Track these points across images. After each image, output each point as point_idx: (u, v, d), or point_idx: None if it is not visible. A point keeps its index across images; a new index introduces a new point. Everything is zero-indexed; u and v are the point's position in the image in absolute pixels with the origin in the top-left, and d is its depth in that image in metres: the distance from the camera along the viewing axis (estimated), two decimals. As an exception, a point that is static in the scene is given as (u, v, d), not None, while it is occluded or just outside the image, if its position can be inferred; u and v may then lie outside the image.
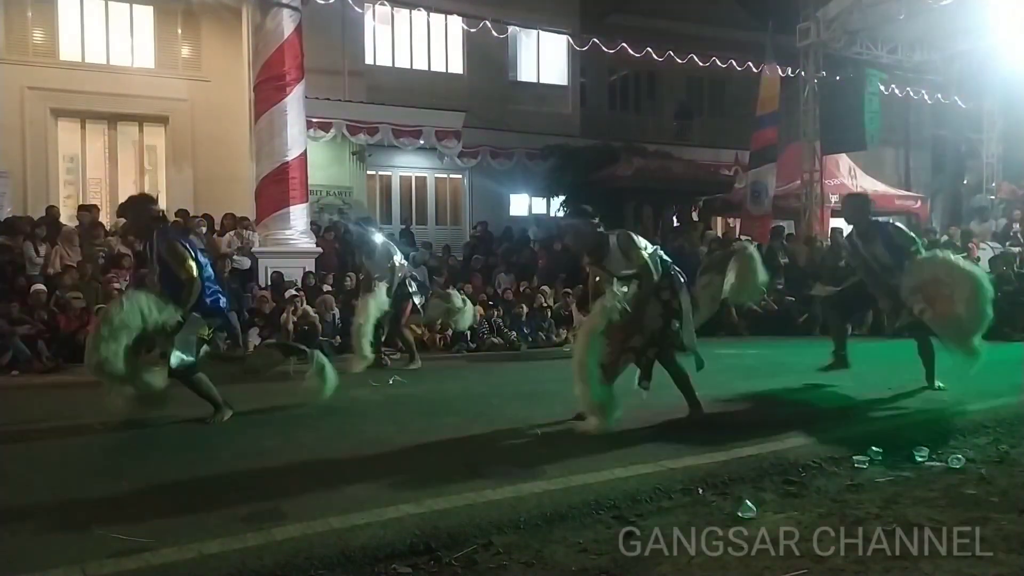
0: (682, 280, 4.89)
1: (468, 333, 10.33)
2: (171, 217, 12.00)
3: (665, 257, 4.94)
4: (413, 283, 8.22)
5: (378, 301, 7.78)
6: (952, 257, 5.55)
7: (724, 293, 5.23)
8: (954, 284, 5.37)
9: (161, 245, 5.09)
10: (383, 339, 8.19)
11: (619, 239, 4.83)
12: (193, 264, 5.05)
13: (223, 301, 5.39)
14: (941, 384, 5.78)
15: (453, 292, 9.08)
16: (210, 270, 5.42)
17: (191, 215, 12.00)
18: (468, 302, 8.95)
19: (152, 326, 4.89)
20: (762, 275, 5.20)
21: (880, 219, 6.15)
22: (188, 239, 5.48)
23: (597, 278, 5.14)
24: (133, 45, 13.69)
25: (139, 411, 4.96)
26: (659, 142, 17.67)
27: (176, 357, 5.03)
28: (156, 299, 4.98)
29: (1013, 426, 4.67)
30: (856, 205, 6.13)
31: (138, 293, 5.15)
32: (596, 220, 5.00)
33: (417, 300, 8.20)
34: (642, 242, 4.84)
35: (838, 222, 16.07)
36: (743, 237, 15.31)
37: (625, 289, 4.76)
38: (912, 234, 5.88)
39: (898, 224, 6.06)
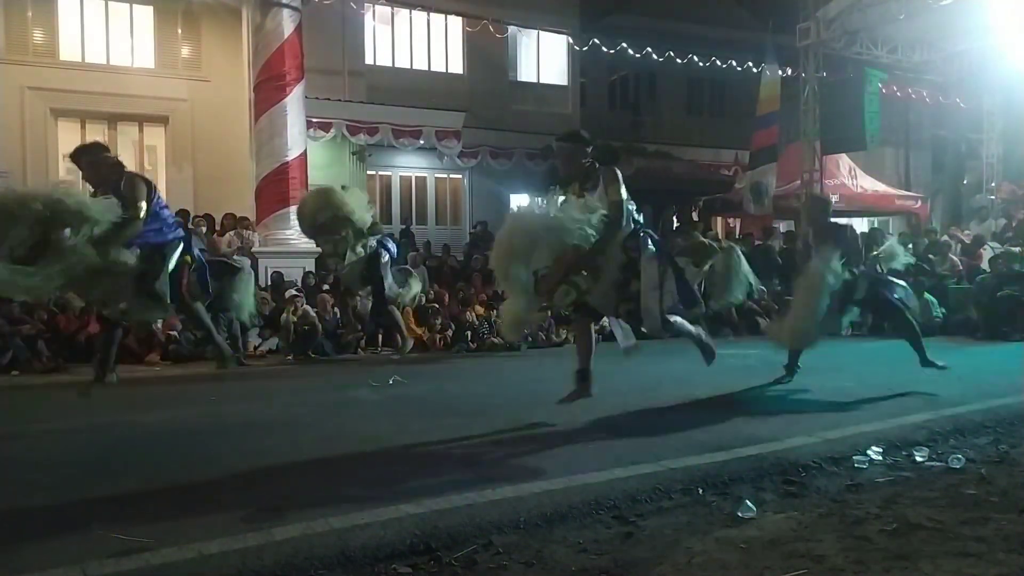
0: (652, 247, 4.68)
1: (468, 332, 10.34)
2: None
3: (639, 219, 4.78)
4: (389, 276, 8.16)
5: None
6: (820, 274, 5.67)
7: (702, 288, 5.19)
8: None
9: (123, 183, 4.96)
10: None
11: (605, 172, 4.65)
12: (143, 205, 4.91)
13: (173, 235, 5.21)
14: (941, 363, 5.84)
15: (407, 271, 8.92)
16: (169, 212, 5.31)
17: (191, 215, 12.00)
18: (412, 277, 8.77)
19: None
20: (745, 278, 5.18)
21: (840, 223, 6.29)
22: (152, 184, 5.31)
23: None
24: (133, 45, 13.69)
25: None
26: (659, 142, 17.68)
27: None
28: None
29: (1013, 426, 4.67)
30: (817, 207, 6.38)
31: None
32: (590, 148, 4.78)
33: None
34: (624, 189, 4.65)
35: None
36: (743, 236, 15.34)
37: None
38: (860, 249, 6.03)
39: (854, 228, 6.25)
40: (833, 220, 6.27)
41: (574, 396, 4.87)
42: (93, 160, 5.15)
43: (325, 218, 7.56)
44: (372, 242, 7.94)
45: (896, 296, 6.08)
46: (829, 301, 5.66)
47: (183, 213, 11.93)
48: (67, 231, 4.64)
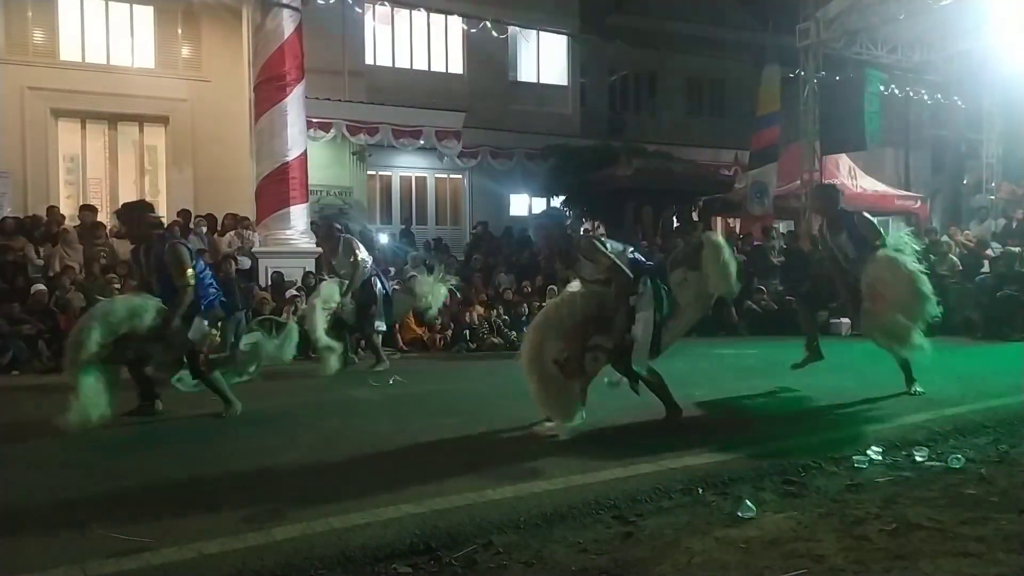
0: (648, 285, 4.66)
1: (467, 332, 10.33)
2: (171, 217, 12.05)
3: (639, 258, 4.78)
4: (379, 283, 8.11)
5: (324, 297, 7.61)
6: (898, 257, 5.39)
7: (711, 288, 5.11)
8: (895, 284, 5.27)
9: (163, 248, 5.15)
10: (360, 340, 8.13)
11: (581, 246, 4.68)
12: (191, 271, 5.11)
13: (217, 303, 5.43)
14: (919, 388, 5.72)
15: (418, 278, 8.84)
16: (208, 273, 5.51)
17: (193, 215, 12.02)
18: (435, 283, 8.70)
19: (131, 329, 4.91)
20: (732, 264, 5.10)
21: (848, 210, 6.14)
22: (189, 242, 5.54)
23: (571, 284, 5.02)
24: (133, 45, 13.71)
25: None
26: (659, 142, 17.68)
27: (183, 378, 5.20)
28: (142, 303, 5.01)
29: (1013, 426, 4.67)
30: (825, 195, 6.17)
31: (127, 297, 5.22)
32: (567, 223, 4.86)
33: (379, 320, 8.11)
34: (609, 245, 4.66)
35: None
36: (743, 236, 15.33)
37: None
38: (878, 227, 5.78)
39: (866, 215, 6.02)
40: (841, 207, 6.13)
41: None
42: (138, 218, 5.34)
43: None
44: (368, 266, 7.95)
45: None
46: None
47: (184, 213, 11.95)
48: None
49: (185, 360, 5.36)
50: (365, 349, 9.33)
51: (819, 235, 6.23)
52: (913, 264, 5.37)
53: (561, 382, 4.40)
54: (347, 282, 7.79)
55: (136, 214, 5.37)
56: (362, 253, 7.96)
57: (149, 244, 5.26)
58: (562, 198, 16.34)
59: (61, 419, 4.63)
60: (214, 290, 5.49)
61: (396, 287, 8.75)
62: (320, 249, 11.60)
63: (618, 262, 4.57)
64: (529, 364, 4.40)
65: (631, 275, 4.55)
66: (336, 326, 7.74)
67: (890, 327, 5.27)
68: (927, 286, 5.28)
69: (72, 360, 4.76)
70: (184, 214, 11.92)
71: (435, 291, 8.56)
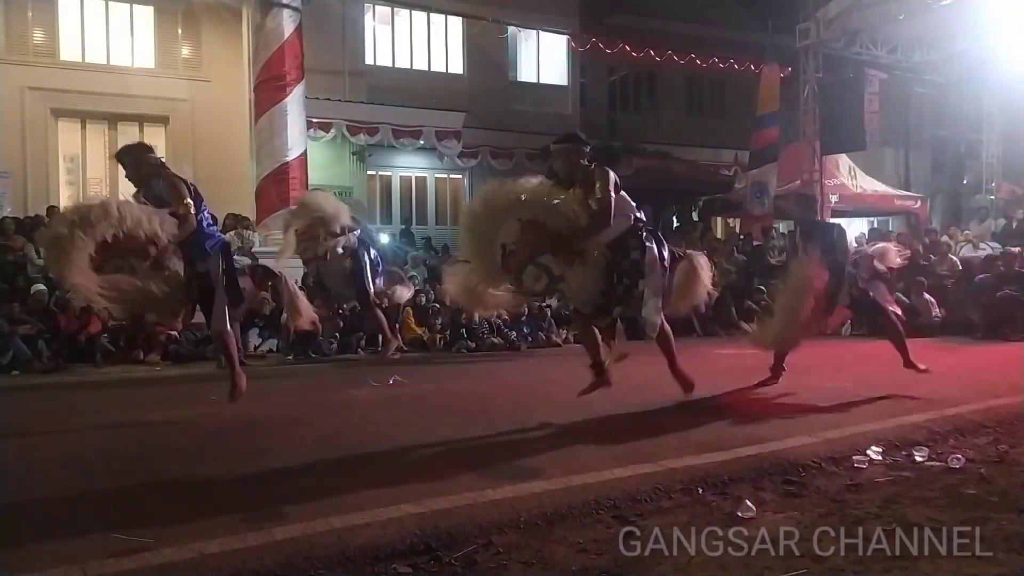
0: (655, 244, 4.63)
1: (464, 331, 10.33)
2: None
3: (642, 217, 4.74)
4: (366, 253, 7.97)
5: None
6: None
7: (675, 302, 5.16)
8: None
9: (161, 183, 5.07)
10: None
11: (598, 171, 4.58)
12: (191, 202, 5.02)
13: (221, 244, 5.31)
14: (923, 365, 5.83)
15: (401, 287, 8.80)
16: (208, 215, 5.38)
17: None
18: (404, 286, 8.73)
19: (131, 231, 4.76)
20: (703, 287, 5.16)
21: (828, 222, 6.32)
22: (191, 183, 5.38)
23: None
24: (133, 45, 13.71)
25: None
26: (659, 142, 17.68)
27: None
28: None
29: (1013, 426, 4.67)
30: (802, 203, 6.39)
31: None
32: (588, 148, 4.73)
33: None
34: (616, 185, 4.54)
35: (838, 222, 16.09)
36: (743, 236, 15.34)
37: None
38: (848, 247, 6.04)
39: (844, 230, 6.27)
40: (818, 219, 6.30)
41: (594, 387, 4.89)
42: (137, 159, 5.27)
43: (301, 225, 7.52)
44: (353, 240, 7.84)
45: (879, 295, 6.04)
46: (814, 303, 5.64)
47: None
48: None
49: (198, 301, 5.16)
50: (365, 349, 9.35)
51: (789, 241, 6.40)
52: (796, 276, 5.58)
53: (493, 267, 4.25)
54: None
55: (136, 156, 5.30)
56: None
57: (150, 186, 5.17)
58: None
59: None
60: (215, 230, 5.40)
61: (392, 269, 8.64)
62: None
63: (611, 196, 4.45)
64: (473, 225, 4.25)
65: (609, 220, 4.45)
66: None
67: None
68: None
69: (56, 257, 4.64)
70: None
71: (397, 288, 8.53)
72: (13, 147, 12.71)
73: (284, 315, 9.34)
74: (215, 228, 5.40)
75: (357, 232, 7.93)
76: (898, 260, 6.52)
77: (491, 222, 4.31)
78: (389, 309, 9.31)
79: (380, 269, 8.12)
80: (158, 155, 5.46)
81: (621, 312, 4.64)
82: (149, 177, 5.19)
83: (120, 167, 5.38)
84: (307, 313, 6.18)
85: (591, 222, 4.45)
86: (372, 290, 7.84)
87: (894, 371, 5.91)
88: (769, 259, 12.49)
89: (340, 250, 7.69)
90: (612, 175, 4.61)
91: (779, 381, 6.15)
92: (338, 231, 7.59)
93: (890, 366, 5.96)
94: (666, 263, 4.74)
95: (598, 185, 4.51)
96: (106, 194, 13.45)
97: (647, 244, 4.66)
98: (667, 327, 4.77)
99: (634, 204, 4.82)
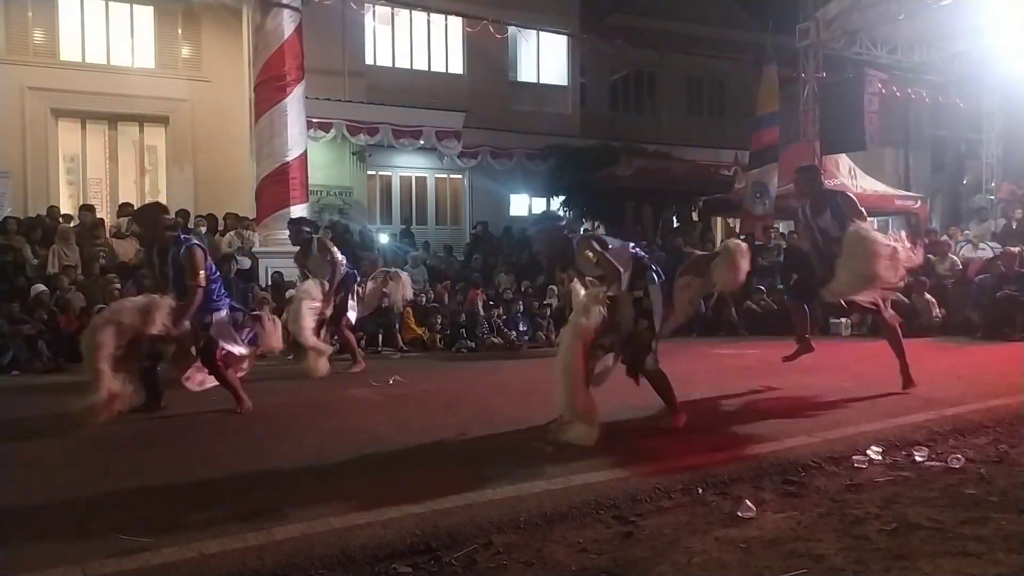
0: (656, 278, 4.70)
1: (464, 331, 10.33)
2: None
3: (640, 253, 4.81)
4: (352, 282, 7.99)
5: (308, 297, 7.44)
6: (866, 231, 5.50)
7: (709, 289, 5.14)
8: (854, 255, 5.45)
9: (180, 250, 5.28)
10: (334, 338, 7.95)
11: (577, 245, 4.73)
12: (203, 274, 5.26)
13: (224, 311, 5.53)
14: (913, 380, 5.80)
15: (395, 278, 8.77)
16: (218, 276, 5.64)
17: (191, 215, 12.00)
18: (398, 272, 8.74)
19: (143, 329, 5.01)
20: (742, 268, 5.13)
21: (832, 190, 6.19)
22: (204, 243, 5.66)
23: (573, 282, 5.06)
24: (133, 45, 13.72)
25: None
26: (659, 142, 17.69)
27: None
28: (151, 304, 5.09)
29: (1013, 426, 4.67)
30: (807, 177, 6.21)
31: (139, 298, 5.30)
32: (563, 224, 4.90)
33: (352, 310, 7.99)
34: (602, 243, 4.68)
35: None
36: (743, 236, 15.34)
37: (605, 289, 4.62)
38: (860, 207, 5.86)
39: (850, 195, 6.09)
40: (824, 188, 6.19)
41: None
42: (153, 220, 5.50)
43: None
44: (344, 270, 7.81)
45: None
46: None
47: (183, 213, 11.95)
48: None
49: (200, 357, 5.47)
50: (365, 349, 9.32)
51: (799, 216, 6.28)
52: (876, 236, 5.46)
53: (586, 388, 4.38)
54: (327, 282, 7.58)
55: (152, 216, 5.54)
56: (337, 251, 7.84)
57: (165, 245, 5.37)
58: (562, 198, 16.35)
59: (77, 411, 4.76)
60: (223, 294, 5.61)
61: (370, 282, 8.60)
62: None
63: (607, 255, 4.58)
64: (564, 371, 4.36)
65: (620, 269, 4.56)
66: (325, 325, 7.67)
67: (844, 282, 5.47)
68: (880, 250, 5.36)
69: (89, 361, 4.89)
70: (184, 214, 11.92)
71: (401, 278, 8.54)
72: (13, 147, 12.71)
73: (283, 315, 9.38)
74: (220, 286, 5.59)
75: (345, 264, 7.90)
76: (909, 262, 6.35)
77: (576, 363, 4.39)
78: (387, 309, 9.32)
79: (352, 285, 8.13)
80: (174, 217, 5.82)
81: (629, 350, 4.70)
82: (164, 240, 5.39)
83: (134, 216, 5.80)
84: (278, 343, 6.34)
85: (609, 283, 4.58)
86: (349, 316, 7.91)
87: (894, 371, 5.91)
88: (761, 260, 12.47)
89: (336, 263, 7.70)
90: (592, 240, 4.72)
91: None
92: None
93: (890, 367, 5.95)
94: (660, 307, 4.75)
95: (589, 255, 4.63)
96: (107, 197, 13.53)
97: (651, 279, 4.69)
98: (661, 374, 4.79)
99: (629, 244, 4.88)
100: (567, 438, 4.27)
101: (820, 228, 5.81)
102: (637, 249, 4.85)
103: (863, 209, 5.85)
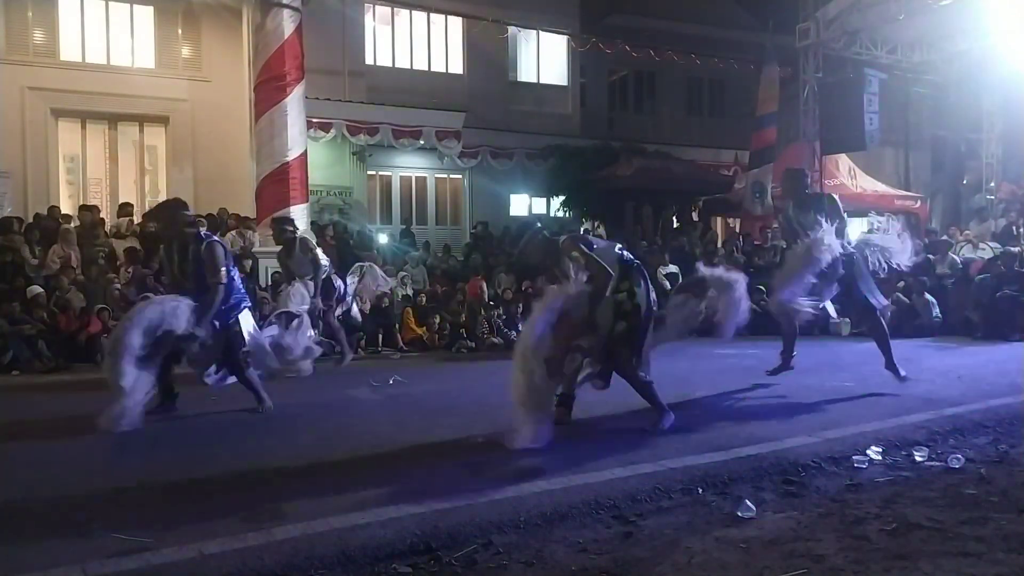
0: (643, 281, 4.66)
1: (464, 331, 10.32)
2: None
3: (627, 255, 4.77)
4: (338, 280, 8.04)
5: (297, 299, 7.48)
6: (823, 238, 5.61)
7: (703, 313, 5.15)
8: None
9: (201, 246, 5.23)
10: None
11: (562, 246, 4.72)
12: (224, 270, 5.21)
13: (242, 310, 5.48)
14: (903, 372, 5.82)
15: (370, 270, 8.78)
16: (236, 274, 5.58)
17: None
18: (372, 265, 8.76)
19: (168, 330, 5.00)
20: (744, 308, 5.19)
21: (819, 192, 6.30)
22: (225, 244, 5.64)
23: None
24: (133, 45, 13.70)
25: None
26: (659, 142, 17.69)
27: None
28: (176, 305, 5.09)
29: (1013, 426, 4.67)
30: (793, 177, 6.37)
31: (163, 299, 5.26)
32: (542, 227, 4.90)
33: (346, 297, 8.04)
34: (589, 244, 4.66)
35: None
36: (743, 235, 15.34)
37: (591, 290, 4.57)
38: (842, 211, 6.00)
39: (835, 196, 6.20)
40: (808, 191, 6.29)
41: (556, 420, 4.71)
42: (173, 216, 5.43)
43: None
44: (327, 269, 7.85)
45: (869, 295, 6.00)
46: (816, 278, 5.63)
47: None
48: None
49: (224, 356, 5.41)
50: (365, 349, 9.33)
51: (783, 217, 6.37)
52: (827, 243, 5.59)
53: (543, 381, 4.30)
54: (311, 281, 7.60)
55: (171, 212, 5.47)
56: (320, 251, 7.86)
57: (185, 242, 5.31)
58: (562, 198, 16.35)
59: (100, 420, 4.77)
60: (242, 291, 5.57)
61: (349, 277, 8.59)
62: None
63: (595, 257, 4.55)
64: (522, 357, 4.29)
65: (611, 272, 4.53)
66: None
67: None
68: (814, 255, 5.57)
69: (112, 363, 4.85)
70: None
71: (373, 270, 8.55)
72: (13, 147, 12.70)
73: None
74: (239, 285, 5.55)
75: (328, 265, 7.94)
76: (909, 260, 6.29)
77: (533, 354, 4.32)
78: (387, 309, 9.30)
79: (345, 295, 8.17)
80: (192, 213, 5.67)
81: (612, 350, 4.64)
82: (184, 236, 5.34)
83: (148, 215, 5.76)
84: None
85: (596, 286, 4.52)
86: (333, 306, 7.93)
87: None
88: (758, 260, 12.48)
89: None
90: (578, 241, 4.70)
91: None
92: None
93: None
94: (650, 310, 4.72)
95: (575, 256, 4.60)
96: (107, 197, 13.52)
97: (637, 282, 4.64)
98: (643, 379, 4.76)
99: (615, 244, 4.87)
100: (516, 443, 4.19)
101: (804, 229, 5.89)
102: (624, 250, 4.81)
103: (844, 214, 5.99)
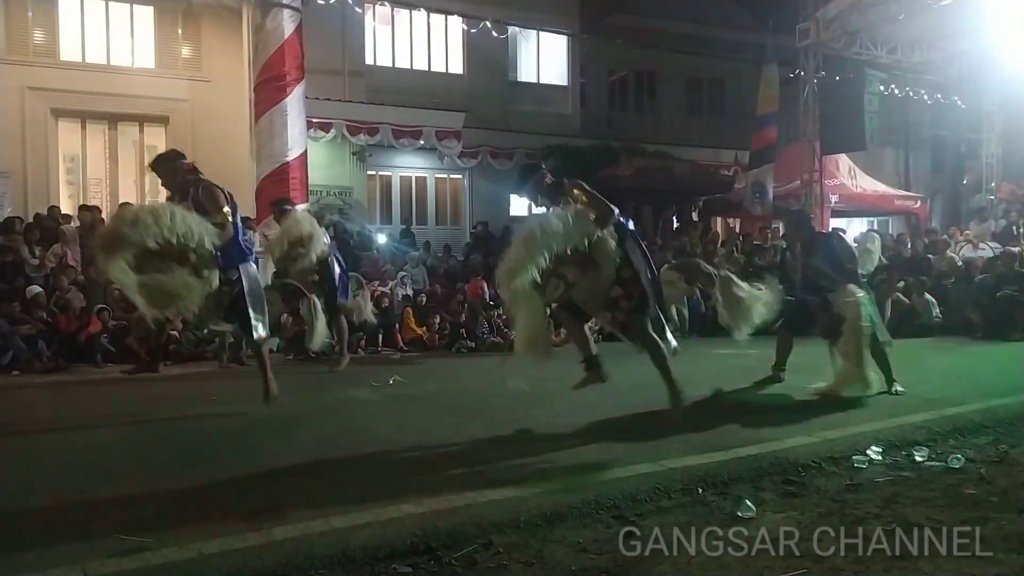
0: (636, 248, 4.66)
1: (464, 331, 10.32)
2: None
3: (624, 222, 4.74)
4: (336, 263, 8.04)
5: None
6: (860, 307, 5.56)
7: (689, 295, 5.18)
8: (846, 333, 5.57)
9: (199, 191, 5.09)
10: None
11: (566, 187, 4.71)
12: (227, 208, 5.07)
13: (251, 255, 5.39)
14: (899, 388, 5.78)
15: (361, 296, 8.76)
16: (241, 223, 5.42)
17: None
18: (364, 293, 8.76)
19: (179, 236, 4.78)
20: (748, 299, 5.18)
21: (824, 232, 6.30)
22: (227, 190, 5.39)
23: None
24: (133, 45, 13.69)
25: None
26: (659, 142, 17.69)
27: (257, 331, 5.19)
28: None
29: (1013, 426, 4.67)
30: (796, 222, 6.43)
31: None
32: (545, 171, 4.88)
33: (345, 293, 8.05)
34: (590, 194, 4.64)
35: (838, 222, 16.10)
36: (743, 235, 15.34)
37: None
38: (853, 251, 6.02)
39: (843, 237, 6.25)
40: (816, 233, 6.33)
41: (587, 382, 4.85)
42: (172, 167, 5.31)
43: (280, 253, 7.59)
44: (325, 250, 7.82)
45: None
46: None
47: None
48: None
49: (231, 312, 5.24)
50: (365, 349, 9.32)
51: (791, 255, 6.37)
52: (864, 319, 5.54)
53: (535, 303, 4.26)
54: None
55: (169, 163, 5.34)
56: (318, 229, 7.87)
57: (186, 192, 5.17)
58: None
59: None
60: (250, 244, 5.45)
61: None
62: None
63: (596, 193, 4.57)
64: (515, 269, 4.21)
65: (613, 208, 4.53)
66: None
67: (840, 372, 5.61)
68: (865, 342, 5.52)
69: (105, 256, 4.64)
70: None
71: (359, 300, 8.52)
72: (13, 147, 12.69)
73: (283, 315, 9.36)
74: (248, 238, 5.45)
75: (329, 243, 7.98)
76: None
77: (533, 257, 4.29)
78: (387, 309, 9.29)
79: (346, 280, 8.18)
80: (189, 160, 5.49)
81: (617, 319, 4.65)
82: (185, 184, 5.22)
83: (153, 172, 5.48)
84: (321, 338, 6.49)
85: (598, 215, 4.52)
86: (339, 299, 7.91)
87: (893, 371, 5.90)
88: (758, 260, 12.47)
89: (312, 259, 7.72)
90: (581, 182, 4.72)
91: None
92: (314, 255, 7.65)
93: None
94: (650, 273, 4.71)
95: (577, 194, 4.61)
96: (107, 197, 13.51)
97: (633, 249, 4.65)
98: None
99: (615, 209, 4.83)
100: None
101: (815, 269, 5.92)
102: (621, 216, 4.77)
103: (855, 253, 6.02)
